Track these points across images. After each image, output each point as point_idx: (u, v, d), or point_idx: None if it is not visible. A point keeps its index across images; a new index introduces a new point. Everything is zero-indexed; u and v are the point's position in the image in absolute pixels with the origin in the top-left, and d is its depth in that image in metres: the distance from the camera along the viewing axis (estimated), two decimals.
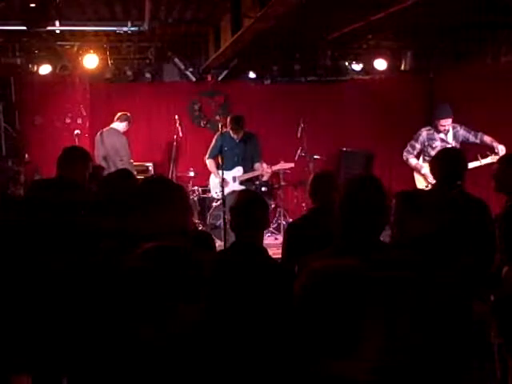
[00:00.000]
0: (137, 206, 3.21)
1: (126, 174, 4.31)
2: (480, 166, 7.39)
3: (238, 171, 8.56)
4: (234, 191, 8.29)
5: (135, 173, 8.33)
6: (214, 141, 8.52)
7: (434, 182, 5.01)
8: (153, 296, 2.17)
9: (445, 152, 4.89)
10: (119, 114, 8.82)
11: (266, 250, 3.35)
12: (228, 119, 8.43)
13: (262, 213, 3.37)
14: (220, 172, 8.08)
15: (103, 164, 8.34)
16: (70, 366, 3.06)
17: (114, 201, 3.74)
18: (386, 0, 6.43)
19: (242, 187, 8.50)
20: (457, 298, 3.26)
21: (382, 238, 2.98)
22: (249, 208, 3.31)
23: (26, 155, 9.60)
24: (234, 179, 8.51)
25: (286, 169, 9.24)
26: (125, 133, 8.77)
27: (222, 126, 8.23)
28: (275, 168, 8.94)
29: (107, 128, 8.75)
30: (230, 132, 8.36)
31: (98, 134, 8.76)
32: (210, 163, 8.62)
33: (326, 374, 1.74)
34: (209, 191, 9.44)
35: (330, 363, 1.74)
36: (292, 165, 9.10)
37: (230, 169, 8.45)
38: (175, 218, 3.18)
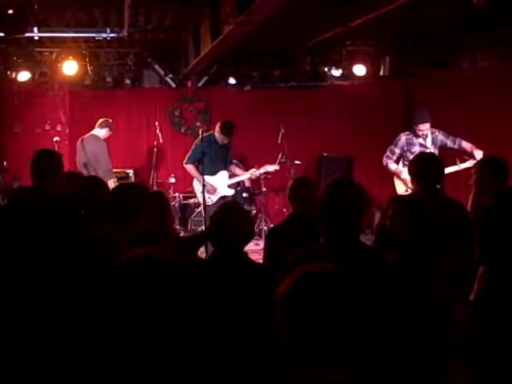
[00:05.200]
0: (111, 215, 3.20)
1: (94, 182, 4.24)
2: (458, 171, 7.48)
3: (225, 176, 8.47)
4: (225, 196, 8.31)
5: (115, 179, 8.40)
6: (194, 145, 8.32)
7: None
8: (137, 302, 2.16)
9: (420, 157, 4.89)
10: (100, 120, 8.77)
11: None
12: (220, 124, 8.23)
13: (251, 227, 3.39)
14: (202, 177, 8.04)
15: (83, 171, 8.30)
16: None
17: (86, 208, 3.72)
18: (364, 6, 6.48)
19: (232, 191, 8.53)
20: (439, 299, 3.29)
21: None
22: (238, 223, 3.29)
23: (5, 162, 9.52)
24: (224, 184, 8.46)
25: (269, 171, 9.09)
26: (105, 139, 8.73)
27: (202, 132, 8.20)
28: (261, 171, 8.92)
29: (88, 134, 8.71)
30: (218, 136, 8.20)
31: (79, 140, 8.71)
32: (190, 168, 8.37)
33: (310, 379, 1.74)
34: (190, 198, 9.43)
35: (316, 368, 1.74)
36: (276, 167, 8.93)
37: (213, 173, 8.33)
38: (152, 225, 3.18)
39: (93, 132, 8.69)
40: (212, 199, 8.28)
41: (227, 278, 3.14)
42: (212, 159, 8.16)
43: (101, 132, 8.68)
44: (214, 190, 8.27)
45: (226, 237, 3.26)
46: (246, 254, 3.35)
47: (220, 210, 3.47)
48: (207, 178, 8.09)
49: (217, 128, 8.23)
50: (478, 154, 7.42)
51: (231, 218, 3.32)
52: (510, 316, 2.57)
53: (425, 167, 4.47)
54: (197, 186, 8.52)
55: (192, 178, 8.73)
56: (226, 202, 7.45)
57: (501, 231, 2.87)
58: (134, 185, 4.74)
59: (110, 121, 8.80)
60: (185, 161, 8.41)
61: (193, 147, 8.38)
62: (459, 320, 3.16)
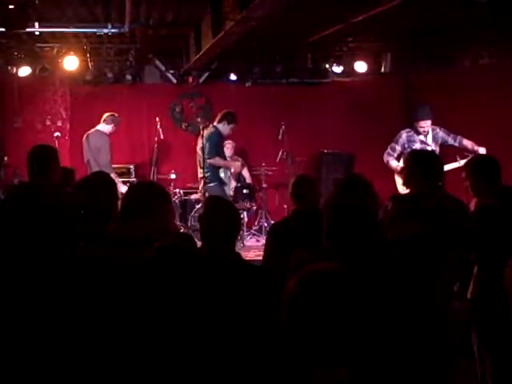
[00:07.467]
0: (130, 212, 3.19)
1: (103, 177, 4.21)
2: (459, 168, 7.47)
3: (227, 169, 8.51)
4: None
5: (114, 174, 8.38)
6: (211, 138, 8.13)
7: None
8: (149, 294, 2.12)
9: (419, 154, 4.83)
10: (106, 114, 8.71)
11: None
12: (222, 115, 8.17)
13: (239, 220, 3.34)
14: (230, 163, 8.34)
15: (88, 168, 8.29)
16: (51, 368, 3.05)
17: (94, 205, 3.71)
18: (365, 3, 6.48)
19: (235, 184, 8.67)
20: (439, 297, 3.29)
21: None
22: (229, 217, 3.21)
23: (6, 158, 9.51)
24: (229, 178, 8.50)
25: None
26: (109, 134, 8.69)
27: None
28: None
29: (93, 129, 8.68)
30: (226, 128, 8.16)
31: (85, 136, 8.67)
32: (218, 160, 8.17)
33: (312, 380, 1.74)
34: (191, 193, 9.45)
35: (318, 369, 1.75)
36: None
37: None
38: (163, 223, 3.18)
39: (98, 127, 8.67)
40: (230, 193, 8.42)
41: (225, 278, 3.10)
42: (222, 152, 8.23)
43: (106, 127, 8.66)
44: (228, 184, 8.39)
45: (217, 232, 3.10)
46: (238, 254, 3.29)
47: (209, 205, 3.37)
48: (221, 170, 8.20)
49: (221, 121, 8.15)
50: (480, 151, 7.40)
51: (223, 213, 3.23)
52: (507, 314, 2.58)
53: (424, 166, 4.42)
54: (224, 175, 8.35)
55: (192, 173, 8.73)
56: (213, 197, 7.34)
57: (492, 232, 2.88)
58: (153, 183, 4.62)
59: (116, 115, 8.76)
60: (208, 156, 8.13)
61: (211, 141, 8.14)
62: (457, 316, 3.17)
